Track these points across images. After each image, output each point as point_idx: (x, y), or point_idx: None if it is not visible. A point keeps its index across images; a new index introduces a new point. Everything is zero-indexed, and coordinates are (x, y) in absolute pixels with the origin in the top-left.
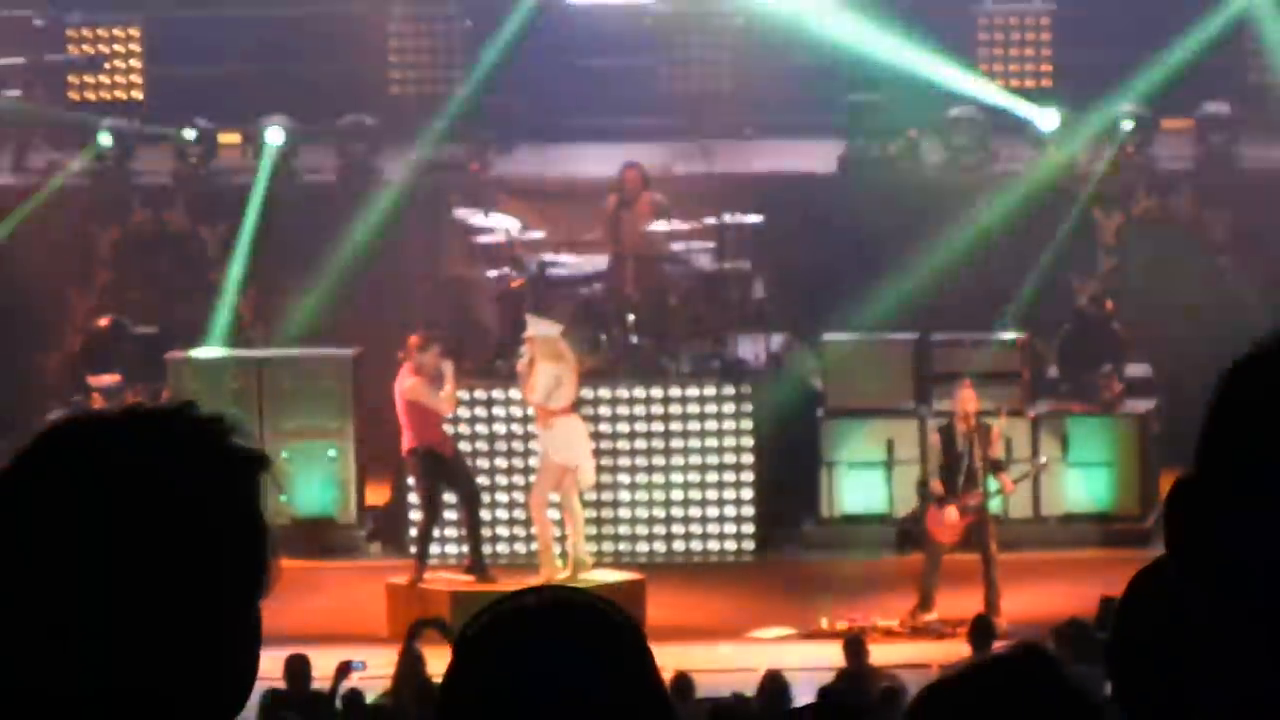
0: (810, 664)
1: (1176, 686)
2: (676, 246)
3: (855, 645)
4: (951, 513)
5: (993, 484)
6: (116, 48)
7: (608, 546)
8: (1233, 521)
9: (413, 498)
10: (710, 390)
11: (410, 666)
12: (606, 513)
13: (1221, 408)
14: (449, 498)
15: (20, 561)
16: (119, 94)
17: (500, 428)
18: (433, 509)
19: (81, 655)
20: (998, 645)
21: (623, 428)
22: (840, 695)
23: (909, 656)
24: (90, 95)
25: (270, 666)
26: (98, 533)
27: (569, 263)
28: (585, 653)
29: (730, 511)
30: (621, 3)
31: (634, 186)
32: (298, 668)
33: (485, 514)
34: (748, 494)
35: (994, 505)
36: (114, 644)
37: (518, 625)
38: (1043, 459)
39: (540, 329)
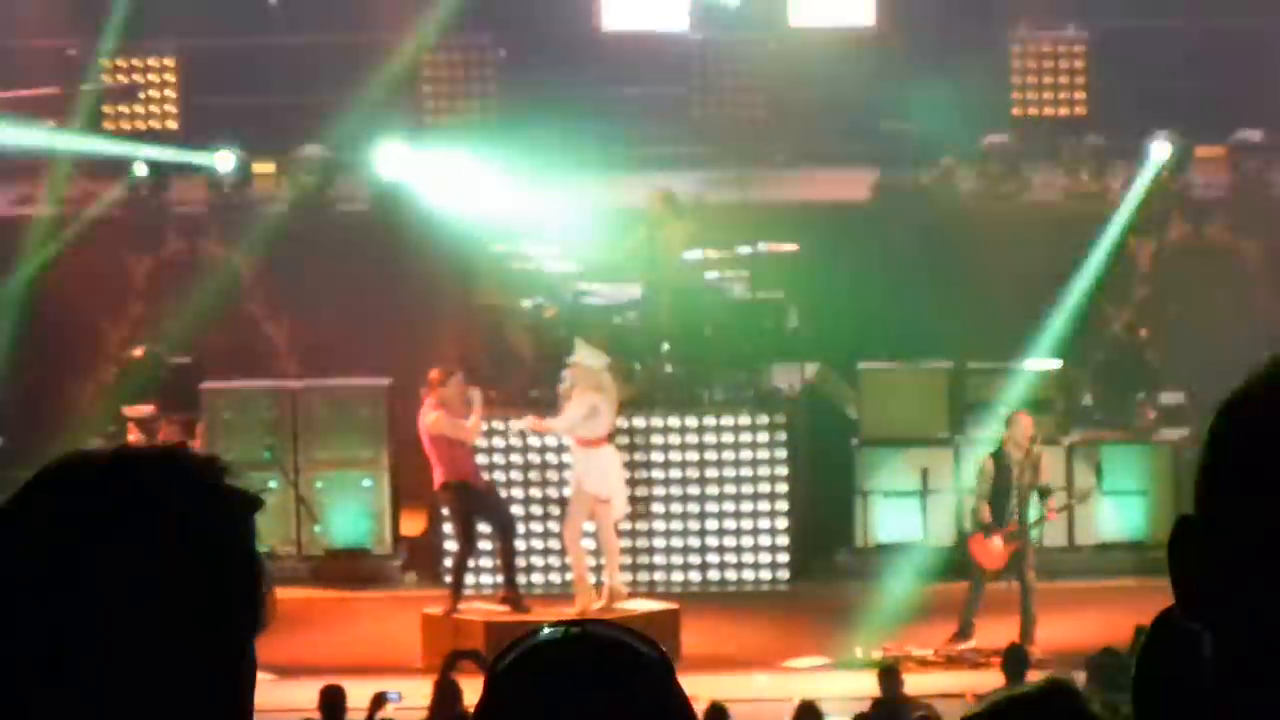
0: (845, 694)
1: None
2: (710, 275)
3: (890, 675)
4: (997, 541)
5: (1033, 511)
6: (151, 77)
7: (642, 576)
8: (1231, 561)
9: (447, 527)
10: (745, 419)
11: (446, 698)
12: (641, 542)
13: (1216, 446)
14: (483, 528)
15: (7, 601)
16: (154, 124)
17: (535, 457)
18: (468, 541)
19: (73, 697)
20: (1031, 675)
21: (657, 457)
22: None
23: (943, 686)
24: (125, 125)
25: (306, 697)
26: (90, 572)
27: (603, 292)
28: (614, 686)
29: (765, 541)
30: (655, 31)
31: (663, 210)
32: (333, 699)
33: (520, 544)
34: (782, 523)
35: (1034, 534)
36: (106, 685)
37: (547, 659)
38: (1087, 487)
39: (587, 357)
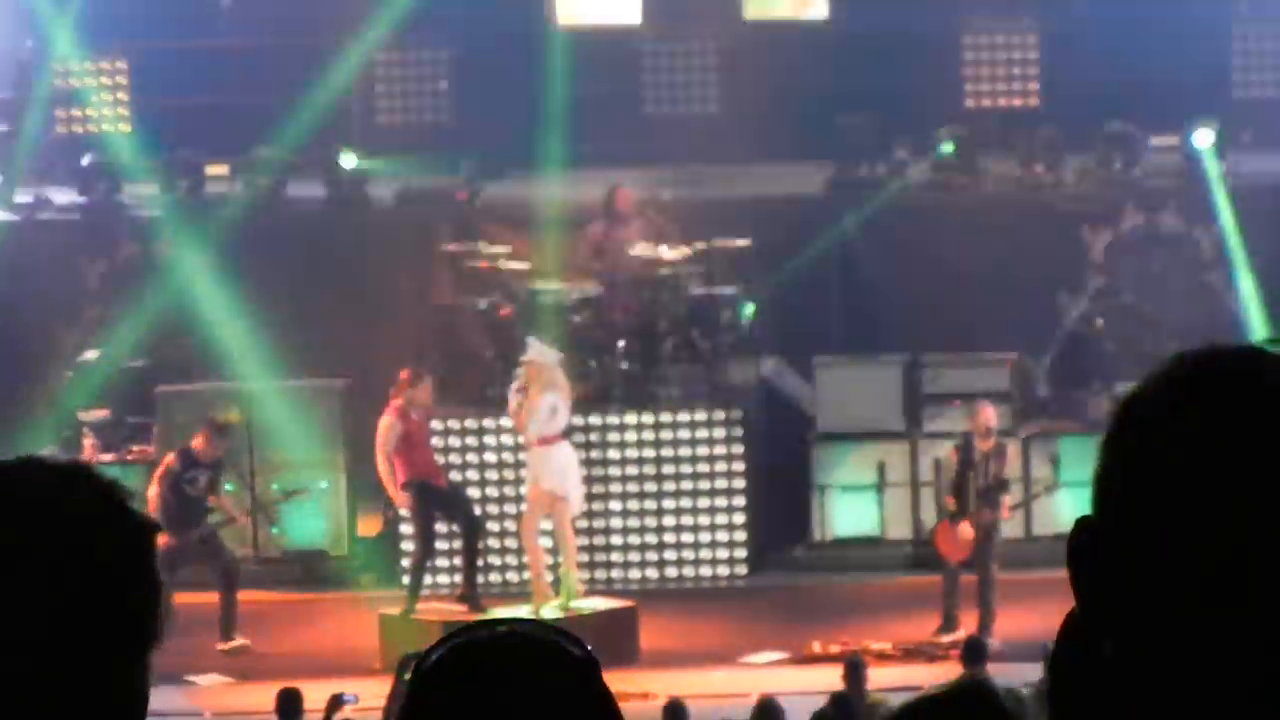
0: (804, 688)
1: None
2: (666, 272)
3: (856, 670)
4: (965, 528)
5: (1001, 505)
6: (104, 80)
7: (599, 574)
8: (1125, 564)
9: (405, 528)
10: (701, 415)
11: (401, 699)
12: (598, 540)
13: (1110, 447)
14: (441, 528)
15: None
16: (106, 126)
17: (491, 456)
18: (426, 541)
19: None
20: (990, 667)
21: (613, 454)
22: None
23: (903, 679)
24: (78, 128)
25: (263, 699)
26: None
27: (557, 290)
28: (540, 684)
29: (722, 536)
30: (607, 27)
31: (626, 207)
32: (290, 700)
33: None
34: (739, 519)
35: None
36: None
37: (474, 656)
38: (1049, 481)
39: (541, 354)
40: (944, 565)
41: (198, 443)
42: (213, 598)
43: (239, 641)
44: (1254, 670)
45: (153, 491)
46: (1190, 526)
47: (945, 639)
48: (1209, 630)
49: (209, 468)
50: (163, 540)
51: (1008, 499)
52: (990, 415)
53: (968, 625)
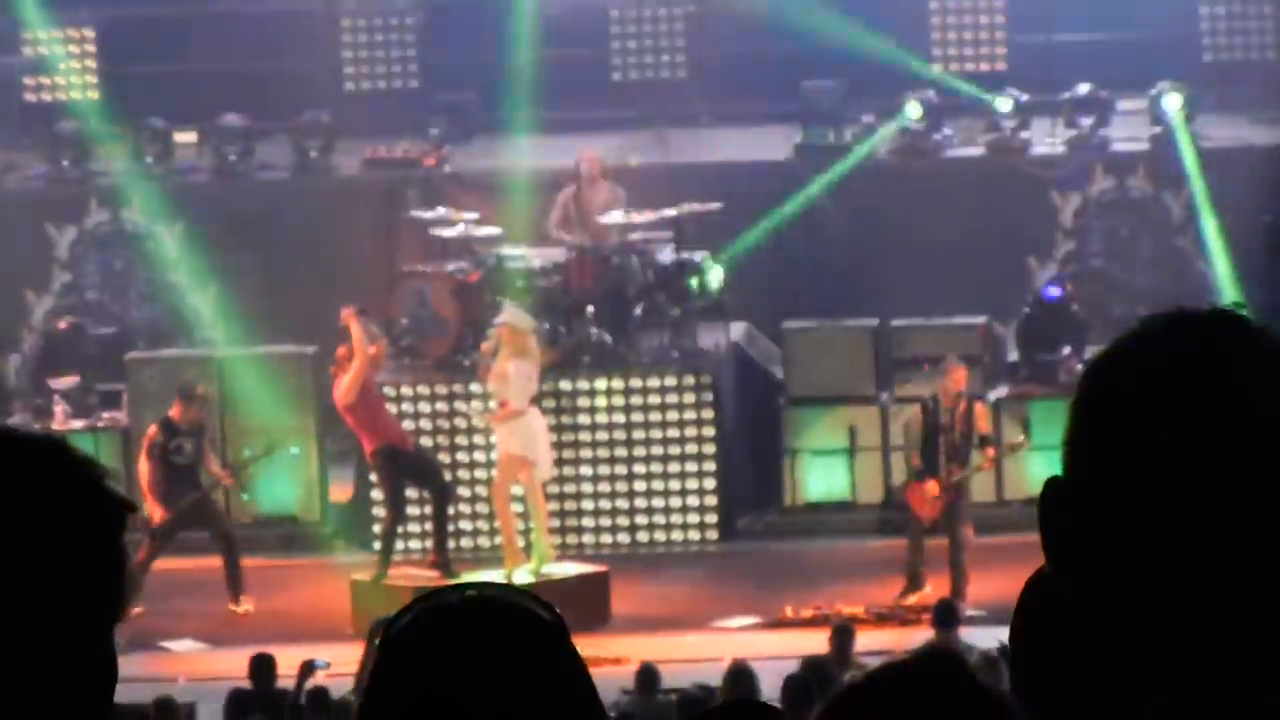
0: (776, 653)
1: (1068, 687)
2: (635, 237)
3: (844, 634)
4: (932, 488)
5: (974, 460)
6: (71, 47)
7: (571, 539)
8: (1095, 523)
9: (376, 493)
10: (671, 380)
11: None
12: (569, 505)
13: (1080, 407)
14: (411, 493)
15: None
16: (75, 94)
17: (461, 422)
18: (396, 507)
19: None
20: (962, 630)
21: (584, 419)
22: (806, 684)
23: (874, 643)
24: (46, 96)
25: (235, 665)
26: None
27: (526, 255)
28: (508, 649)
29: (693, 501)
30: None
31: (593, 171)
32: (262, 666)
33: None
34: (710, 483)
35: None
36: None
37: (442, 622)
38: (1020, 437)
39: (515, 318)
40: (911, 524)
41: (175, 410)
42: (189, 564)
43: (248, 605)
44: (1223, 628)
45: (144, 467)
46: (1157, 484)
47: (910, 599)
48: (1175, 580)
49: (191, 434)
50: (160, 513)
51: (990, 451)
52: (962, 376)
53: (936, 587)
